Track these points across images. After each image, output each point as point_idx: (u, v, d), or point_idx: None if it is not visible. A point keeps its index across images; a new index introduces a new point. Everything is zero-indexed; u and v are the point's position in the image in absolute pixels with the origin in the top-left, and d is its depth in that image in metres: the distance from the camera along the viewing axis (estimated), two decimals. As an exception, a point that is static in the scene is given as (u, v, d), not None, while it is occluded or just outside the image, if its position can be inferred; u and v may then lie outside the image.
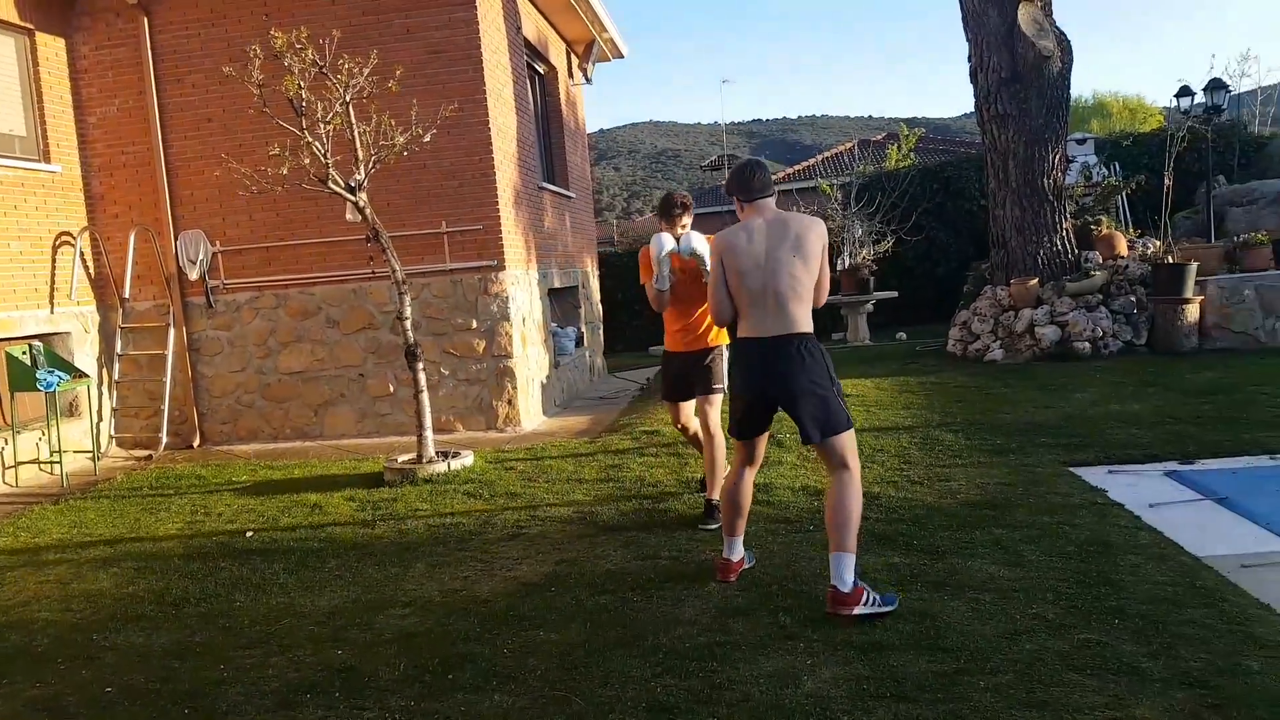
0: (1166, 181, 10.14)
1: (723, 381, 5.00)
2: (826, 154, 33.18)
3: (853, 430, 3.96)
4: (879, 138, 32.49)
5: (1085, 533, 4.51)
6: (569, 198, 11.76)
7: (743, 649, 3.48)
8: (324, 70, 6.50)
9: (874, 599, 3.69)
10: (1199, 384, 7.92)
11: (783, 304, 3.89)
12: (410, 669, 3.58)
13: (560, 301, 11.83)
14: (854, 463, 3.95)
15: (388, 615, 4.18)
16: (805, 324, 3.92)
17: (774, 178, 4.33)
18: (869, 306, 14.37)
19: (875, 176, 18.22)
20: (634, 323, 19.45)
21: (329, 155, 6.52)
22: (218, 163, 8.40)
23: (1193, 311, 9.72)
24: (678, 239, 4.99)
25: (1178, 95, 12.63)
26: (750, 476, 4.29)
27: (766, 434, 4.28)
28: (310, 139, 6.48)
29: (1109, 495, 5.10)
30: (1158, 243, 10.50)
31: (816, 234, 3.93)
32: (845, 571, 3.72)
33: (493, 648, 3.70)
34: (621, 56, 13.36)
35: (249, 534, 5.74)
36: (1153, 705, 2.88)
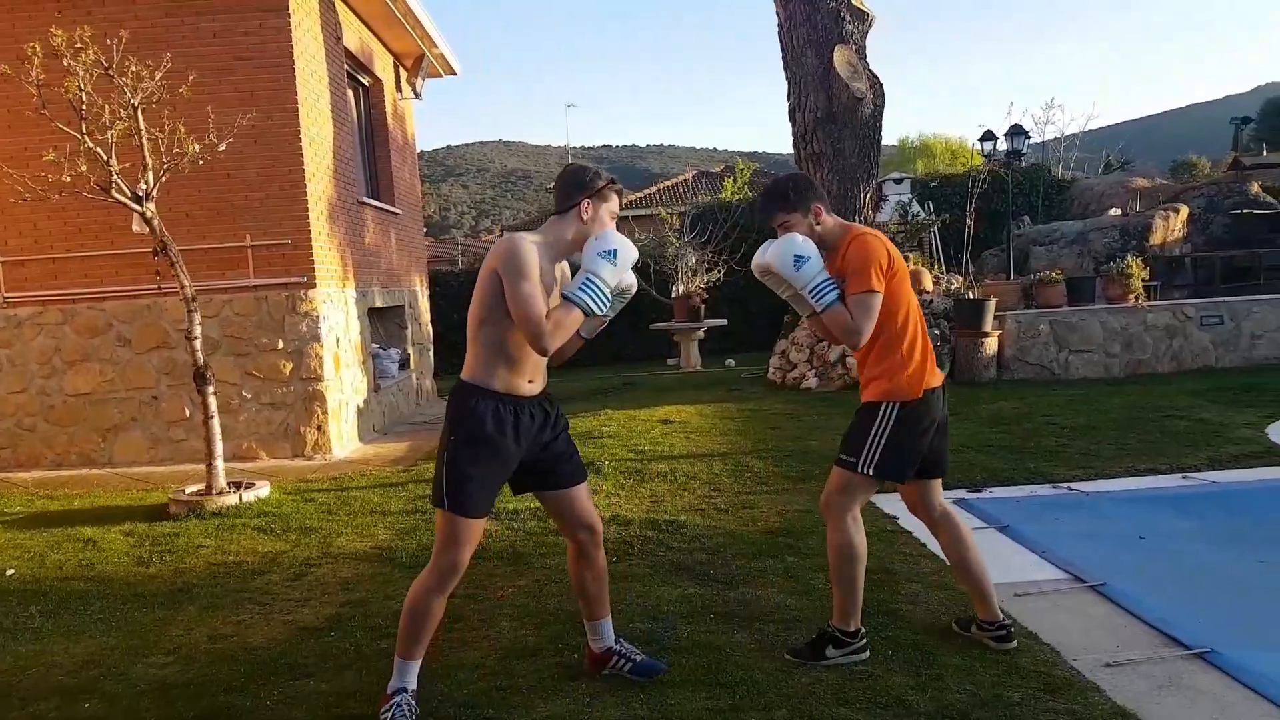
0: (969, 221, 10.69)
1: (858, 455, 3.40)
2: (666, 183, 33.80)
3: (447, 515, 3.07)
4: (718, 169, 33.33)
5: (872, 560, 4.54)
6: (394, 214, 11.44)
7: (523, 693, 3.36)
8: (109, 72, 6.09)
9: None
10: (994, 414, 8.33)
11: None
12: (162, 724, 3.30)
13: (384, 322, 11.48)
14: (436, 557, 3.11)
15: (148, 664, 3.86)
16: (466, 367, 3.14)
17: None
18: (700, 334, 14.60)
19: (710, 207, 18.59)
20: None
21: (111, 162, 6.11)
22: (-5, 166, 7.75)
23: (992, 344, 10.27)
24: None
25: (981, 139, 13.41)
26: (573, 556, 3.39)
27: (568, 497, 3.31)
28: (92, 144, 6.05)
29: (899, 522, 5.24)
30: (961, 279, 11.04)
31: (487, 259, 3.08)
32: (399, 676, 3.16)
33: (255, 699, 3.45)
34: (454, 73, 13.15)
35: (9, 572, 5.24)
36: (915, 739, 2.92)
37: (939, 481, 3.65)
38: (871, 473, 3.39)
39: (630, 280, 3.15)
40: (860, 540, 3.48)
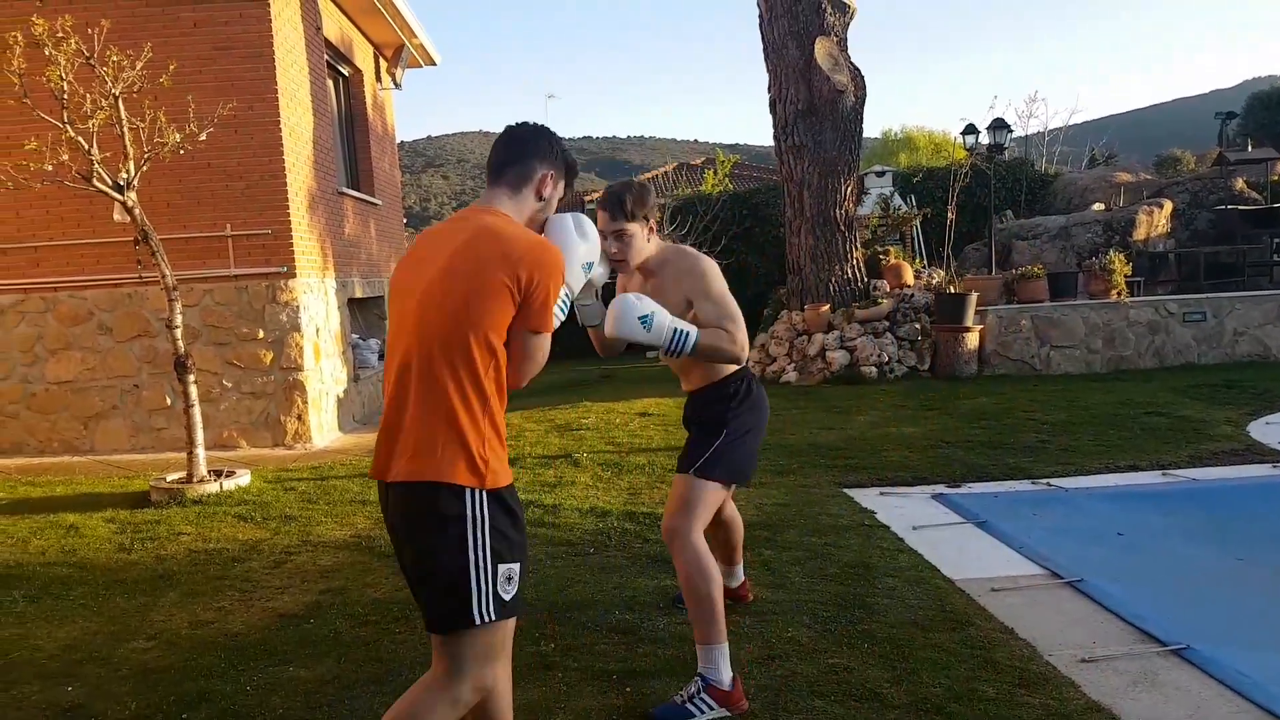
0: (950, 215, 10.74)
1: None
2: (646, 175, 33.66)
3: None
4: (698, 162, 33.21)
5: (850, 554, 4.64)
6: (374, 204, 11.42)
7: (500, 681, 3.38)
8: (91, 61, 6.08)
9: None
10: (973, 409, 8.37)
11: None
12: (142, 708, 3.31)
13: (364, 312, 11.46)
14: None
15: (129, 649, 3.87)
16: None
17: (595, 195, 3.57)
18: (681, 326, 14.60)
19: (690, 199, 18.59)
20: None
21: (93, 151, 6.10)
22: (-25, 155, 7.71)
23: (973, 339, 10.32)
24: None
25: (964, 133, 13.46)
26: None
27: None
28: (73, 133, 6.03)
29: (877, 517, 5.28)
30: (942, 273, 11.10)
31: None
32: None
33: (235, 685, 3.46)
34: (434, 64, 13.11)
35: (-10, 558, 5.24)
36: (888, 731, 2.95)
37: None
38: None
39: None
40: None
